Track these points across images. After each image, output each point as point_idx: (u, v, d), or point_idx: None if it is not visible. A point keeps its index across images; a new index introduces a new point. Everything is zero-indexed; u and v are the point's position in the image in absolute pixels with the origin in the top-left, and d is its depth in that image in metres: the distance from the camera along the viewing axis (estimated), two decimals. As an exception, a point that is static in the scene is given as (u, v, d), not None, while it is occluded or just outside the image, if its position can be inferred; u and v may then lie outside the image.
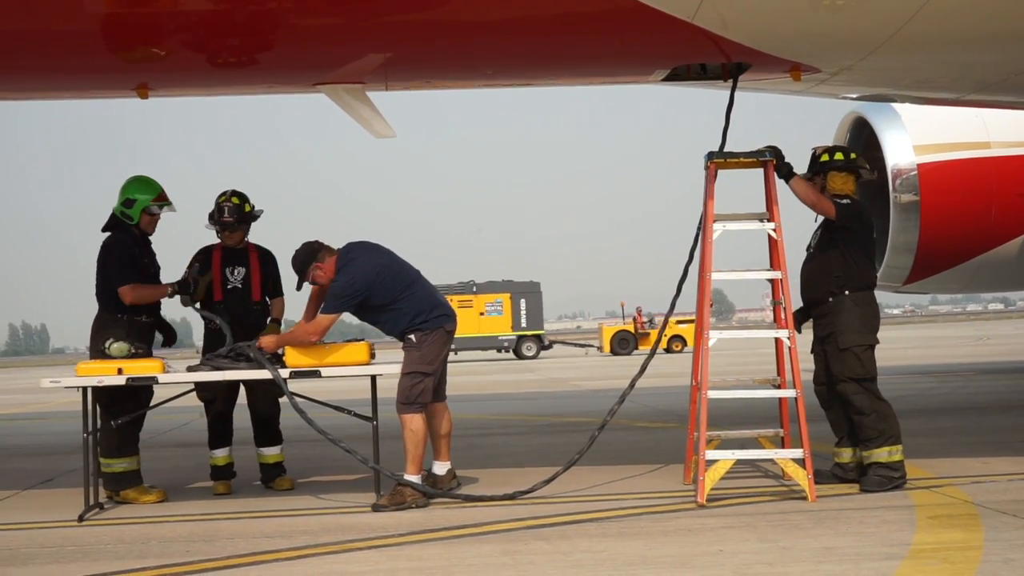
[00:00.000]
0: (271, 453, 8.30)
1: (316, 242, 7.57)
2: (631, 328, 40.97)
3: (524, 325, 40.69)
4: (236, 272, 8.26)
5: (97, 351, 7.65)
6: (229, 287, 8.22)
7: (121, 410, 7.58)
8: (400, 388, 7.35)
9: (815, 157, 7.67)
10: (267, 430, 8.30)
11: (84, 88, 8.34)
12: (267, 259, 8.45)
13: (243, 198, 8.29)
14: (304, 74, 7.80)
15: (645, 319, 41.30)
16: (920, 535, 5.66)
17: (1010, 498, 6.56)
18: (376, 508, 7.07)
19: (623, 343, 40.26)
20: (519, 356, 40.60)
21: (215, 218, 8.27)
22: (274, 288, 8.45)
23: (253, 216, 8.35)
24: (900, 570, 4.91)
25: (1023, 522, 5.85)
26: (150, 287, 7.95)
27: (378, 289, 7.38)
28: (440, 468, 7.66)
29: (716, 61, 7.70)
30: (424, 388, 7.34)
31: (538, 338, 41.36)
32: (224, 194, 8.29)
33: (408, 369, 7.35)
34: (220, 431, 8.22)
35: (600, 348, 41.33)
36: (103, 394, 7.49)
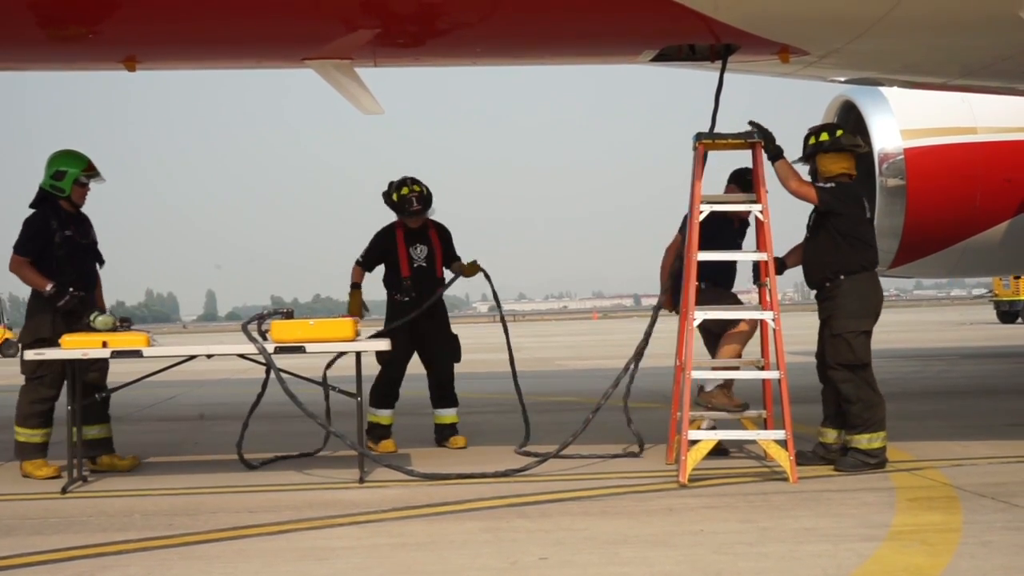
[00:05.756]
0: (448, 415, 8.91)
1: None
2: None
3: None
4: (420, 250, 8.77)
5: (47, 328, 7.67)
6: (415, 265, 8.73)
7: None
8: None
9: (806, 142, 7.61)
10: (445, 392, 8.88)
11: (72, 60, 8.28)
12: (445, 235, 9.01)
13: (422, 185, 8.73)
14: (292, 49, 7.77)
15: None
16: (899, 517, 5.71)
17: (989, 481, 6.62)
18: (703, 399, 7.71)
19: None
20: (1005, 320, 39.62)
21: (402, 207, 8.68)
22: (450, 260, 9.06)
23: (431, 199, 8.79)
24: (879, 551, 4.95)
25: (1002, 505, 5.90)
26: (36, 274, 7.77)
27: None
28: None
29: (705, 42, 7.69)
30: None
31: None
32: (406, 185, 8.69)
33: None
34: (388, 393, 8.69)
35: None
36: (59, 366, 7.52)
